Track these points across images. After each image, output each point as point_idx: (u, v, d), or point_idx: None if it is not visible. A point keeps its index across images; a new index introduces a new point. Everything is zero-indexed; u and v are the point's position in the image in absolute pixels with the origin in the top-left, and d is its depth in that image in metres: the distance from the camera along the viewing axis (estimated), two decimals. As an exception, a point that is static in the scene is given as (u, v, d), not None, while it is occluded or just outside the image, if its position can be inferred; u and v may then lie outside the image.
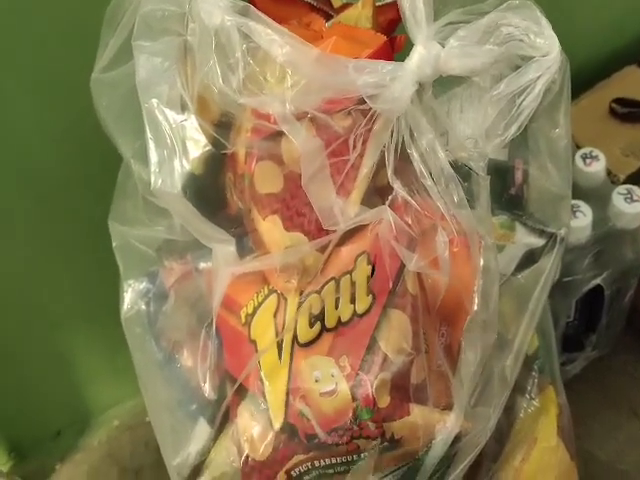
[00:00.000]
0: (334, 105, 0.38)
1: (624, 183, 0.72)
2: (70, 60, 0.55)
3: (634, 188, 0.69)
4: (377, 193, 0.43)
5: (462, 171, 0.42)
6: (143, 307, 0.50)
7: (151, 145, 0.39)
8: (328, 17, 0.46)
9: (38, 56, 0.55)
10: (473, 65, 0.37)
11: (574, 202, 0.68)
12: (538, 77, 0.36)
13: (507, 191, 0.54)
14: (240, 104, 0.37)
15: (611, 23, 0.91)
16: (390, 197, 0.43)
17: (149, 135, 0.39)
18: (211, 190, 0.45)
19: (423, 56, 0.37)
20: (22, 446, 0.83)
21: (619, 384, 0.82)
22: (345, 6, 0.46)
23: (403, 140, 0.39)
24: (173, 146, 0.38)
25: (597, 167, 0.69)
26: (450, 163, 0.40)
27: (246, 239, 0.44)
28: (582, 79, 0.83)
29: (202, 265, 0.48)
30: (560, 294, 0.70)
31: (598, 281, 0.69)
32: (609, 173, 0.73)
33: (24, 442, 0.83)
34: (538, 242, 0.50)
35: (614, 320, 0.77)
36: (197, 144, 0.39)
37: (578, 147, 0.73)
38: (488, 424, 0.44)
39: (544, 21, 0.36)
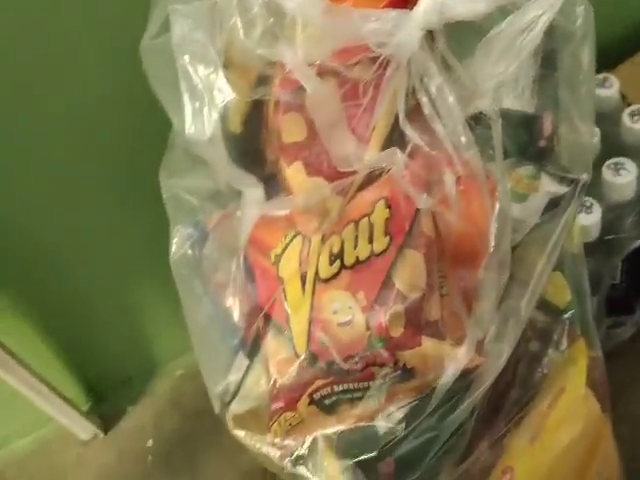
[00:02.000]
0: (346, 55, 0.41)
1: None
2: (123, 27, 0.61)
3: (681, 145, 0.67)
4: (397, 142, 0.46)
5: (477, 118, 0.44)
6: (189, 251, 0.55)
7: (185, 97, 0.43)
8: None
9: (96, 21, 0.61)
10: (477, 9, 0.39)
11: (619, 159, 0.68)
12: (540, 15, 0.37)
13: (536, 143, 0.55)
14: (261, 56, 0.41)
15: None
16: (410, 146, 0.46)
17: (183, 88, 0.43)
18: (249, 146, 0.49)
19: (429, 3, 0.39)
20: (99, 389, 0.92)
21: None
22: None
23: (414, 85, 0.41)
24: (203, 97, 0.43)
25: (640, 122, 0.68)
26: (463, 110, 0.42)
27: (274, 185, 0.48)
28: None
29: (239, 212, 0.53)
30: (603, 253, 0.69)
31: (644, 240, 0.68)
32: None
33: (100, 385, 0.92)
34: (561, 189, 0.51)
35: (666, 282, 0.75)
36: (224, 95, 0.43)
37: (628, 104, 0.72)
38: (501, 359, 0.46)
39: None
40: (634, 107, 0.70)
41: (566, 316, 0.58)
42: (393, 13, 0.39)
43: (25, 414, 0.90)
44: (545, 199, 0.52)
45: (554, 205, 0.51)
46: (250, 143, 0.49)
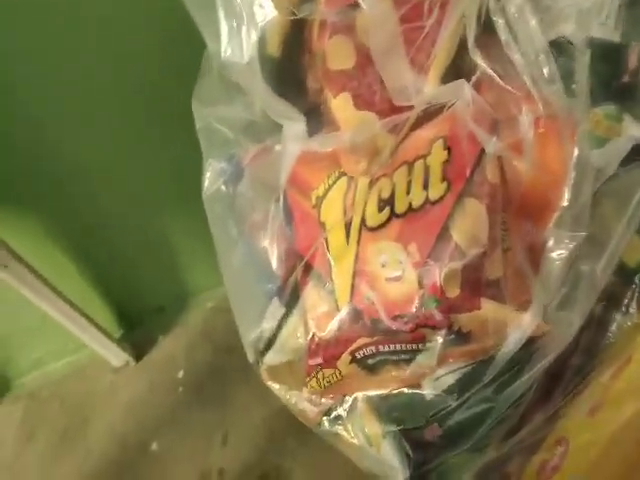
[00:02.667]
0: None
1: None
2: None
3: None
4: (458, 74, 0.39)
5: (558, 45, 0.37)
6: (222, 187, 0.50)
7: (221, 14, 0.38)
8: None
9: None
10: None
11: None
12: None
13: (618, 78, 0.47)
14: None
15: None
16: (474, 79, 0.40)
17: (219, 3, 0.37)
18: (289, 72, 0.43)
19: None
20: (130, 318, 0.91)
21: None
22: None
23: (487, 5, 0.34)
24: (242, 14, 0.37)
25: None
26: (545, 36, 0.35)
27: (317, 118, 0.42)
28: None
29: (277, 146, 0.47)
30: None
31: None
32: None
33: (132, 314, 0.91)
34: (650, 135, 0.44)
35: None
36: (265, 13, 0.37)
37: None
38: (570, 329, 0.41)
39: None
40: None
41: (637, 276, 0.52)
42: None
43: (59, 338, 0.91)
44: (628, 145, 0.45)
45: (639, 153, 0.44)
46: (290, 68, 0.43)
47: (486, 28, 0.35)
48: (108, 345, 0.89)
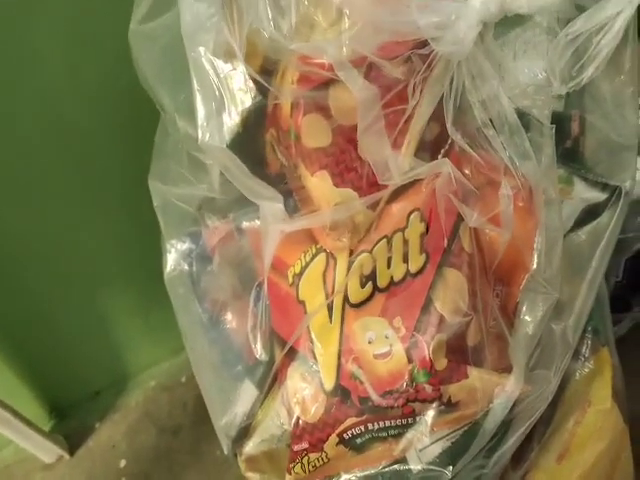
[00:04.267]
0: (390, 50, 0.35)
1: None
2: (104, 11, 0.53)
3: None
4: (427, 146, 0.40)
5: (523, 120, 0.39)
6: (186, 267, 0.48)
7: (198, 97, 0.36)
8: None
9: (70, 7, 0.53)
10: (542, 3, 0.34)
11: (628, 155, 0.65)
12: (618, 13, 0.33)
13: (563, 144, 0.51)
14: (291, 50, 0.34)
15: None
16: (443, 150, 0.41)
17: (196, 87, 0.36)
18: (254, 146, 0.43)
19: (488, -8, 0.33)
20: (62, 406, 0.84)
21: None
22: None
23: (463, 87, 0.36)
24: (221, 98, 0.36)
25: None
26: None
27: (293, 197, 0.42)
28: None
29: (245, 224, 0.46)
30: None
31: (650, 239, 0.66)
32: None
33: (64, 402, 0.84)
34: (599, 197, 0.47)
35: (663, 280, 0.73)
36: (247, 95, 0.36)
37: None
38: (549, 387, 0.42)
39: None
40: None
41: (590, 324, 0.55)
42: (452, 4, 0.33)
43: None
44: (580, 206, 0.49)
45: (592, 216, 0.47)
46: (254, 141, 0.42)
47: (461, 107, 0.37)
48: (37, 439, 0.80)
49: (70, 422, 0.83)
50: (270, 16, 0.33)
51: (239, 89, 0.36)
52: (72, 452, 0.82)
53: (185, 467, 0.78)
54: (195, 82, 0.36)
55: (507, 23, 0.39)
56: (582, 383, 0.54)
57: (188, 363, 0.50)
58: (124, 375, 0.84)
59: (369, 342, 0.41)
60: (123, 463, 0.80)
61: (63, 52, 0.56)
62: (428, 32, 0.33)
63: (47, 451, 0.82)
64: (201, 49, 0.35)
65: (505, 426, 0.42)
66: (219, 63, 0.35)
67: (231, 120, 0.36)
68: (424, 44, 0.35)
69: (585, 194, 0.48)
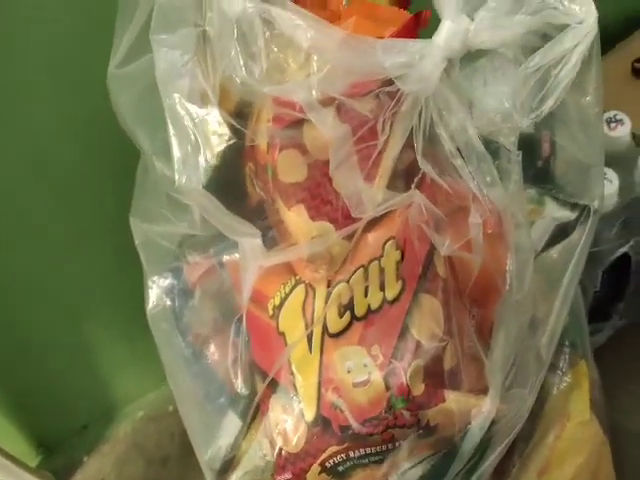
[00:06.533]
0: (359, 89, 0.36)
1: (651, 147, 0.70)
2: (85, 54, 0.53)
3: (662, 152, 0.67)
4: (399, 176, 0.42)
5: (491, 147, 0.40)
6: (168, 303, 0.48)
7: (174, 141, 0.37)
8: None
9: (53, 50, 0.54)
10: (504, 37, 0.35)
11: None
12: (575, 46, 0.34)
13: (534, 165, 0.52)
14: (263, 93, 0.35)
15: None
16: (416, 180, 0.42)
17: (172, 131, 0.37)
18: (231, 182, 0.44)
19: (452, 31, 0.35)
20: (49, 441, 0.84)
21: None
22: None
23: (431, 120, 0.37)
24: (196, 141, 0.37)
25: (622, 131, 0.67)
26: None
27: (271, 231, 0.43)
28: (602, 39, 0.81)
29: (225, 258, 0.47)
30: (587, 265, 0.68)
31: (625, 249, 0.67)
32: (634, 137, 0.71)
33: (51, 437, 0.83)
34: (569, 216, 0.48)
35: (640, 287, 0.75)
36: (221, 138, 0.37)
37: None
38: (525, 405, 0.43)
39: (578, -15, 0.34)
40: (609, 114, 0.68)
41: (567, 338, 0.56)
42: (417, 43, 0.34)
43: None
44: (551, 226, 0.50)
45: (563, 235, 0.48)
46: (231, 177, 0.43)
47: (431, 139, 0.38)
48: (24, 476, 0.80)
49: (58, 457, 0.83)
50: (242, 62, 0.34)
51: (213, 132, 0.37)
52: (60, 486, 0.81)
53: (175, 497, 0.78)
54: (171, 127, 0.36)
55: (474, 55, 0.41)
56: (561, 397, 0.55)
57: (174, 393, 0.50)
58: (111, 407, 0.84)
59: (348, 371, 0.41)
60: (112, 496, 0.79)
61: (48, 88, 0.57)
62: (394, 72, 0.34)
63: (34, 486, 0.81)
64: (176, 96, 0.36)
65: (483, 445, 0.43)
66: (194, 108, 0.36)
67: (207, 162, 0.37)
68: (391, 82, 0.36)
69: (556, 213, 0.50)
